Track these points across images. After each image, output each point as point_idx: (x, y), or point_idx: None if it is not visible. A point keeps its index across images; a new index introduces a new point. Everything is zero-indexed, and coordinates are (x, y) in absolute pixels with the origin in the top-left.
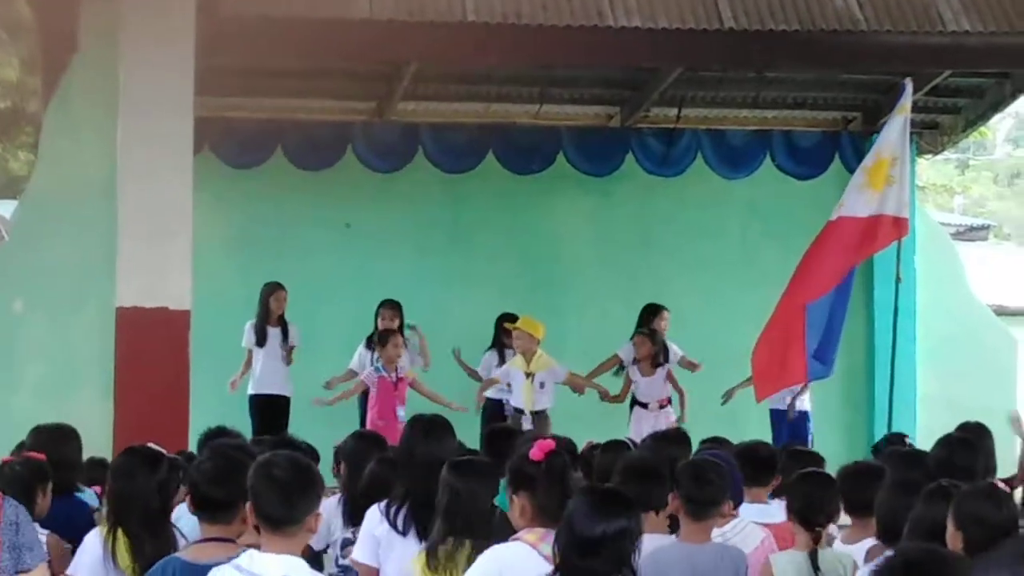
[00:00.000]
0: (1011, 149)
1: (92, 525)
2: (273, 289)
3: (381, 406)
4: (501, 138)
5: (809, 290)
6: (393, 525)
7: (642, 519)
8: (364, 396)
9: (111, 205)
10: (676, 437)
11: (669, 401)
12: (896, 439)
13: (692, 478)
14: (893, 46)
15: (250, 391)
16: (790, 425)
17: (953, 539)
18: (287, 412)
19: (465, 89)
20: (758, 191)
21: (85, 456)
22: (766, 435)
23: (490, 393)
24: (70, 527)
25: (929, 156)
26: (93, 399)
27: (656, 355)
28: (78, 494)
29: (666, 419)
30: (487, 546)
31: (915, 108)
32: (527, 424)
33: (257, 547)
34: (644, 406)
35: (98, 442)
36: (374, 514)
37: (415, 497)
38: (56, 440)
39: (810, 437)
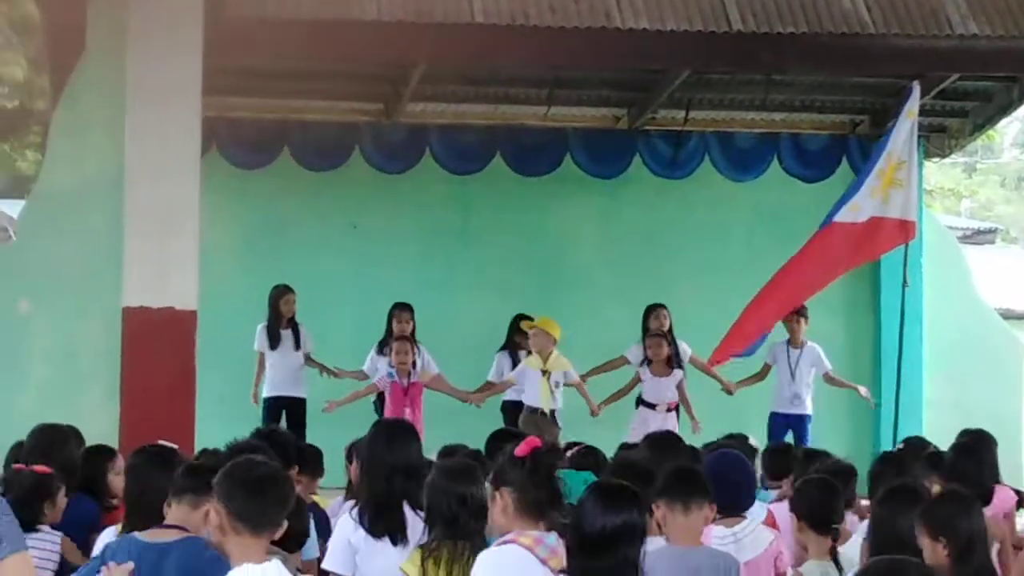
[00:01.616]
0: (1018, 153)
1: (97, 522)
2: (282, 292)
3: (393, 411)
4: (508, 140)
5: (809, 289)
6: (369, 530)
7: (647, 517)
8: (380, 400)
9: (118, 205)
10: (672, 442)
11: (677, 406)
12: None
13: (679, 480)
14: (901, 49)
15: (265, 393)
16: (791, 429)
17: (932, 550)
18: (303, 414)
19: (473, 90)
20: (765, 194)
21: None
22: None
23: (508, 395)
24: (78, 526)
25: (936, 159)
26: (99, 399)
27: (671, 357)
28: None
29: (672, 423)
30: (476, 546)
31: (922, 111)
32: (548, 423)
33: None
34: (651, 407)
35: (104, 442)
36: (347, 521)
37: (380, 501)
38: (57, 442)
39: (808, 440)
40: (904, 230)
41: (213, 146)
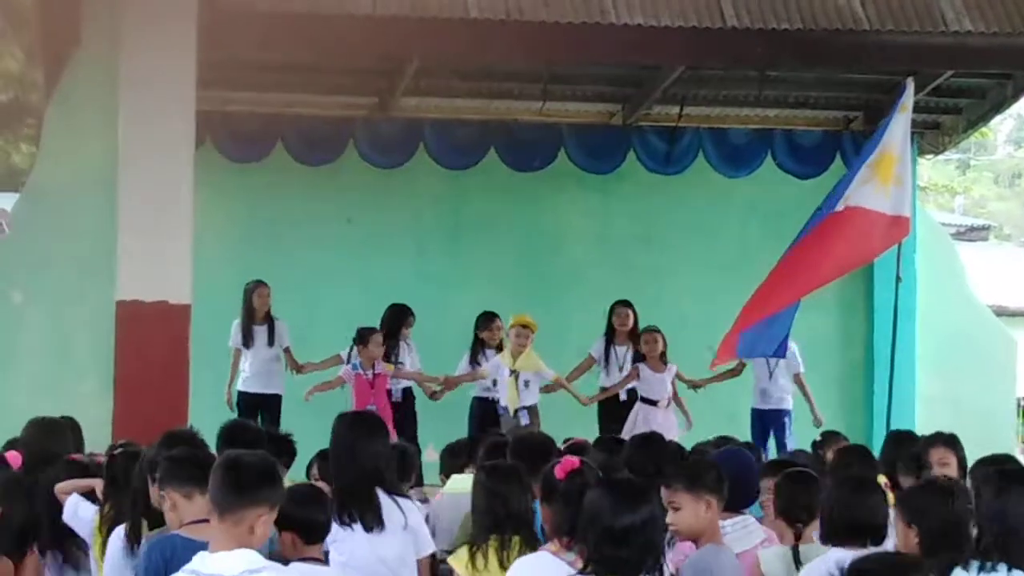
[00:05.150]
0: (1012, 150)
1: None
2: (255, 287)
3: (358, 404)
4: (503, 135)
5: (811, 280)
6: (340, 521)
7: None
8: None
9: (112, 198)
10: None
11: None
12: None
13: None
14: (895, 45)
15: (239, 387)
16: (774, 424)
17: (905, 537)
18: (278, 410)
19: (467, 85)
20: (759, 190)
21: (86, 451)
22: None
23: (477, 392)
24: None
25: (930, 156)
26: (92, 393)
27: (664, 352)
28: None
29: (672, 419)
30: (525, 538)
31: (917, 108)
32: (523, 420)
33: None
34: (653, 403)
35: (97, 436)
36: None
37: (347, 489)
38: (50, 434)
39: (788, 434)
40: (899, 227)
41: (207, 140)
